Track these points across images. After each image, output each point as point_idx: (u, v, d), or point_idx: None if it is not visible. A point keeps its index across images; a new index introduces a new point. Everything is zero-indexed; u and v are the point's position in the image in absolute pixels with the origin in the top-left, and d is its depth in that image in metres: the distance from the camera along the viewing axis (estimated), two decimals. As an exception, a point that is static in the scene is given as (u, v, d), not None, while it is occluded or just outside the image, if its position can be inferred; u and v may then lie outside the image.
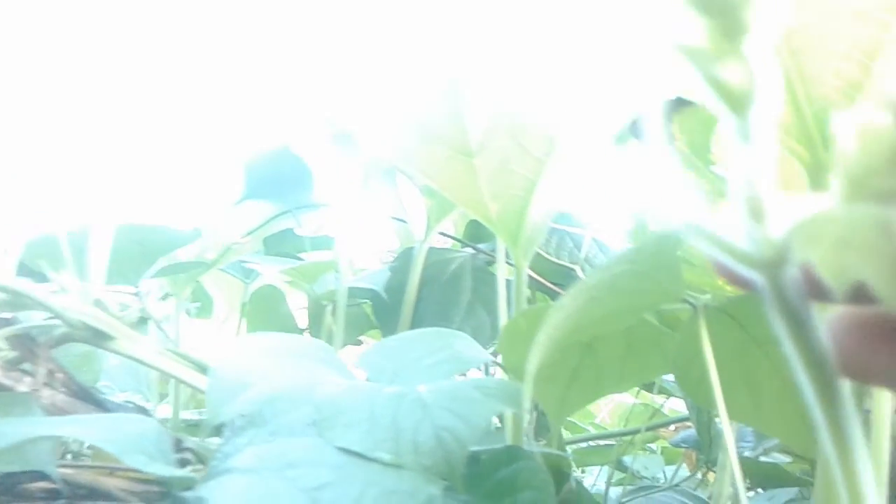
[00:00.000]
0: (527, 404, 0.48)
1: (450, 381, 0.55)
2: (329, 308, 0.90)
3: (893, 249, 0.18)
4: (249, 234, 1.08)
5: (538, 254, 0.97)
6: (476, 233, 1.05)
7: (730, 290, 0.56)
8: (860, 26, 0.34)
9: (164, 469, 0.48)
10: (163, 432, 0.52)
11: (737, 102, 0.21)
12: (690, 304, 0.54)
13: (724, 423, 0.57)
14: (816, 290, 0.22)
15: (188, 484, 0.49)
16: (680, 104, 0.66)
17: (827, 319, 0.22)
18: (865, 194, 0.19)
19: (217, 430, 0.56)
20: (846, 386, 0.22)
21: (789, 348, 0.22)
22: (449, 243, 1.07)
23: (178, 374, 0.64)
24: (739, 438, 1.05)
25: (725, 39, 0.20)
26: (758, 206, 0.21)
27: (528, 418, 0.69)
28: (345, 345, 1.00)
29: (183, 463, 0.62)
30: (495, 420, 0.76)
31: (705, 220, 0.22)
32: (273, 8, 0.93)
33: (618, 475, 1.27)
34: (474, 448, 0.66)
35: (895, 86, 0.20)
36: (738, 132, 0.22)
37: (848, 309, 0.22)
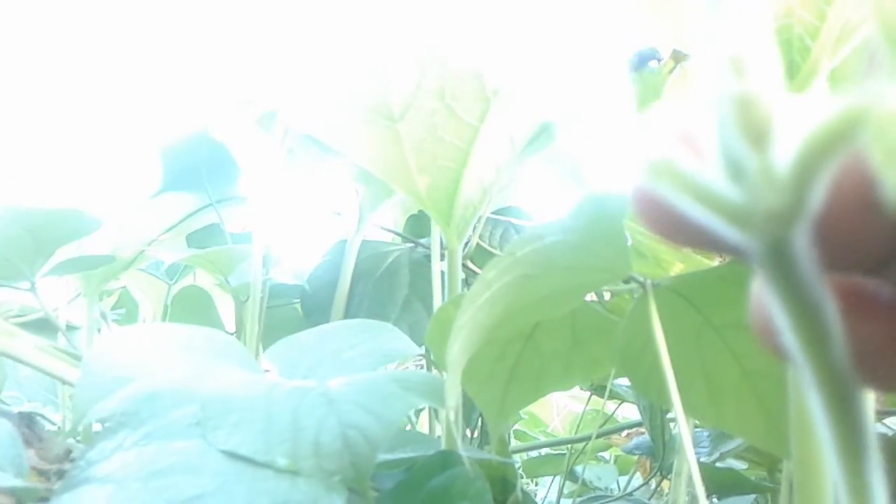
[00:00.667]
0: (452, 399, 0.41)
1: (366, 374, 0.48)
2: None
3: None
4: (170, 230, 1.00)
5: (480, 246, 0.91)
6: (417, 227, 0.98)
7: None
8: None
9: (10, 480, 0.40)
10: (16, 440, 0.44)
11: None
12: (638, 283, 0.47)
13: (682, 424, 0.50)
14: (841, 256, 0.15)
15: (44, 496, 0.41)
16: (630, 69, 0.60)
17: (843, 303, 0.15)
18: None
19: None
20: (868, 401, 0.15)
21: (796, 346, 0.14)
22: (389, 237, 1.00)
23: (60, 373, 0.56)
24: (695, 443, 0.99)
25: None
26: (757, 115, 0.13)
27: (459, 420, 0.62)
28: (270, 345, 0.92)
29: (61, 474, 0.54)
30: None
31: (670, 153, 0.14)
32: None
33: (570, 486, 1.21)
34: (404, 454, 0.58)
35: None
36: None
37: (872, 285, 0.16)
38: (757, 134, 0.13)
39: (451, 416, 0.38)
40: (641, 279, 0.48)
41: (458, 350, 0.39)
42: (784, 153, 0.13)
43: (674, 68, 0.54)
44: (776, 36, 0.32)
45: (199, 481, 0.37)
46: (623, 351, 0.51)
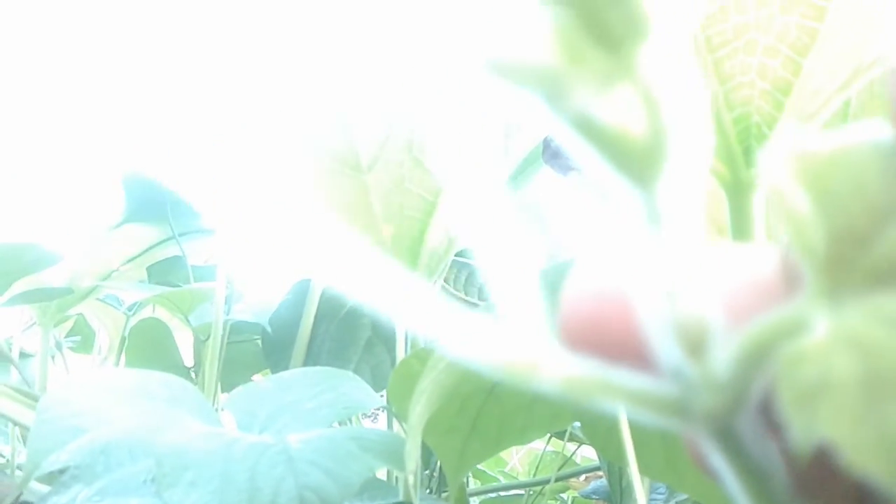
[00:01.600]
0: (411, 463, 0.41)
1: (326, 431, 0.48)
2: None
3: None
4: (130, 261, 0.99)
5: (445, 290, 0.91)
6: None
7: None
8: (789, 13, 0.28)
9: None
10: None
11: (635, 163, 0.13)
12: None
13: (635, 475, 0.51)
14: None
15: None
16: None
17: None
18: (848, 279, 0.12)
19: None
20: None
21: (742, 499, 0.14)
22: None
23: (10, 414, 0.55)
24: (652, 490, 1.00)
25: (608, 48, 0.12)
26: (692, 332, 0.13)
27: (419, 472, 0.61)
28: (232, 386, 0.91)
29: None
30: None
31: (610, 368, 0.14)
32: (157, 18, 0.85)
33: (527, 527, 1.20)
34: (362, 502, 0.58)
35: (826, 86, 0.14)
36: (644, 212, 0.13)
37: None
38: (695, 348, 0.13)
39: (410, 480, 0.38)
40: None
41: (419, 414, 0.39)
42: (722, 360, 0.13)
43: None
44: (734, 126, 0.33)
45: (151, 543, 0.37)
46: (584, 410, 0.52)
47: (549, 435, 1.13)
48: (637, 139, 0.13)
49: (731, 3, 0.28)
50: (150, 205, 0.90)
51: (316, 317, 0.86)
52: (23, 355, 1.13)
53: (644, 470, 0.52)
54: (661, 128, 0.13)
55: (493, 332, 0.14)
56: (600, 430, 0.51)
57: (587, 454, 1.25)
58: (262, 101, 0.61)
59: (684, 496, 0.96)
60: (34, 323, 1.01)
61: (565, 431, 1.00)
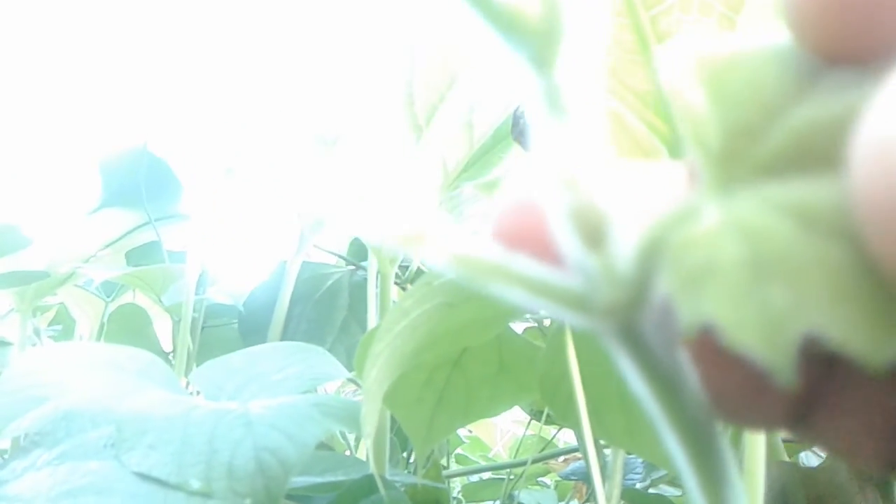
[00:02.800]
0: (369, 427, 0.41)
1: (289, 398, 0.48)
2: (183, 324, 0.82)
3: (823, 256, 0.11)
4: (108, 246, 0.99)
5: (421, 270, 0.91)
6: (360, 249, 0.98)
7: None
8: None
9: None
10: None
11: (532, 43, 0.14)
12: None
13: (591, 449, 0.51)
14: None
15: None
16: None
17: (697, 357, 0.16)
18: (740, 172, 0.13)
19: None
20: (725, 443, 0.16)
21: (655, 410, 0.15)
22: (332, 260, 1.00)
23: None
24: (629, 470, 1.01)
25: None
26: (591, 221, 0.14)
27: (386, 444, 0.62)
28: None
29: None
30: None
31: (509, 256, 0.14)
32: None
33: (508, 511, 1.21)
34: (335, 477, 0.59)
35: (674, 52, 0.14)
36: (543, 96, 0.14)
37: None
38: (593, 237, 0.14)
39: (370, 443, 0.38)
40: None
41: (374, 377, 0.39)
42: (623, 251, 0.14)
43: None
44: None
45: (109, 502, 0.37)
46: (543, 379, 0.52)
47: (529, 419, 1.13)
48: (532, 19, 0.13)
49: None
50: (126, 189, 0.90)
51: (292, 298, 0.86)
52: (2, 343, 1.13)
53: (604, 436, 0.53)
54: (557, 9, 0.13)
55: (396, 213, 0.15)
56: (560, 399, 0.52)
57: (568, 438, 1.26)
58: (243, 84, 0.61)
59: (660, 474, 0.97)
60: (12, 310, 1.01)
61: (543, 413, 1.01)
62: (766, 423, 0.16)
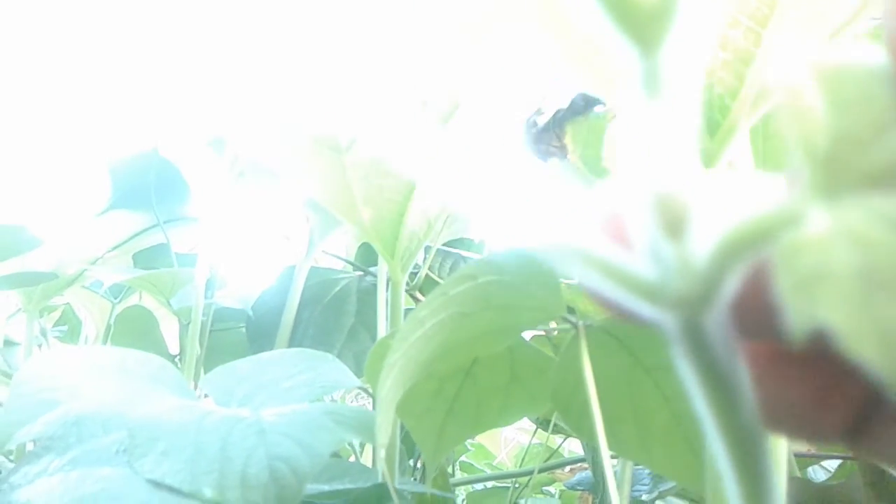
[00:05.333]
0: (383, 437, 0.41)
1: (301, 406, 0.48)
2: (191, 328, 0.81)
3: None
4: (116, 248, 0.99)
5: (430, 277, 0.91)
6: (368, 255, 0.98)
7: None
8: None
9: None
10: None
11: (640, 22, 0.13)
12: (571, 323, 0.48)
13: (606, 461, 0.51)
14: (753, 328, 0.15)
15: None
16: (574, 112, 0.61)
17: (757, 368, 0.16)
18: (846, 179, 0.12)
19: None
20: (775, 457, 0.16)
21: (707, 413, 0.15)
22: (340, 265, 1.00)
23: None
24: (636, 481, 1.00)
25: None
26: (674, 209, 0.14)
27: (395, 453, 0.62)
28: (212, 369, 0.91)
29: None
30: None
31: (590, 239, 0.14)
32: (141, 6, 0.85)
33: (513, 519, 1.20)
34: (343, 485, 0.58)
35: (789, 58, 0.14)
36: (641, 78, 0.13)
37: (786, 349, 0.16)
38: (674, 227, 0.14)
39: (382, 454, 0.38)
40: (574, 319, 0.48)
41: (389, 387, 0.39)
42: (701, 245, 0.13)
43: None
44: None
45: (120, 510, 0.37)
46: (556, 390, 0.52)
47: (535, 428, 1.13)
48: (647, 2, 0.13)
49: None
50: (135, 191, 0.90)
51: (300, 303, 0.86)
52: (9, 343, 1.13)
53: (617, 448, 0.52)
54: None
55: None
56: (574, 410, 0.52)
57: (574, 448, 1.25)
58: (246, 76, 0.61)
59: (667, 486, 0.96)
60: (20, 310, 1.01)
61: (549, 422, 1.01)
62: (822, 435, 0.16)
